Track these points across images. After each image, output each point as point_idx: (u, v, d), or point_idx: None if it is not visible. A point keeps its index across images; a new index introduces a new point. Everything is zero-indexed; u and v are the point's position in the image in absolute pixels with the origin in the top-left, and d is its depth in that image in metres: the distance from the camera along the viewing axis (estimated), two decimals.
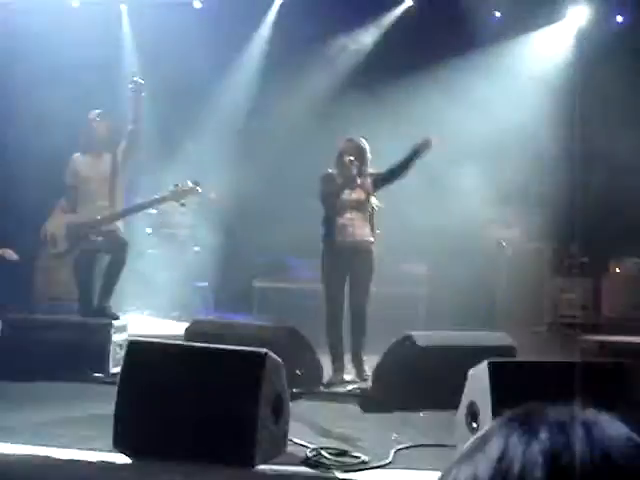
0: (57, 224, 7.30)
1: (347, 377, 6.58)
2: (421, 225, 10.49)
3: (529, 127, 10.75)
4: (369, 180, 6.56)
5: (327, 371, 6.59)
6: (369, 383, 6.45)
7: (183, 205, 7.22)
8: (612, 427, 0.81)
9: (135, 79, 7.01)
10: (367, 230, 6.57)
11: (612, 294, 11.03)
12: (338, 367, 6.58)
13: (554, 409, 0.83)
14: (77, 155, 7.34)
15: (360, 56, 11.78)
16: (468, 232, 10.91)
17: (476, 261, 10.78)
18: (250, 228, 10.81)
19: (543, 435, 0.79)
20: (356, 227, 6.48)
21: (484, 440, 0.82)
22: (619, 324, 10.30)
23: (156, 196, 7.28)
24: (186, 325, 6.72)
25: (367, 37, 11.92)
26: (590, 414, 0.82)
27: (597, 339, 6.65)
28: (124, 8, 11.97)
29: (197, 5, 11.79)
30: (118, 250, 7.14)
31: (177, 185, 7.13)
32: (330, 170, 6.65)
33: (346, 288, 6.64)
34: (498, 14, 11.52)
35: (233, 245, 11.13)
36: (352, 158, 6.46)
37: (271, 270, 11.33)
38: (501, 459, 0.78)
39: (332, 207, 6.51)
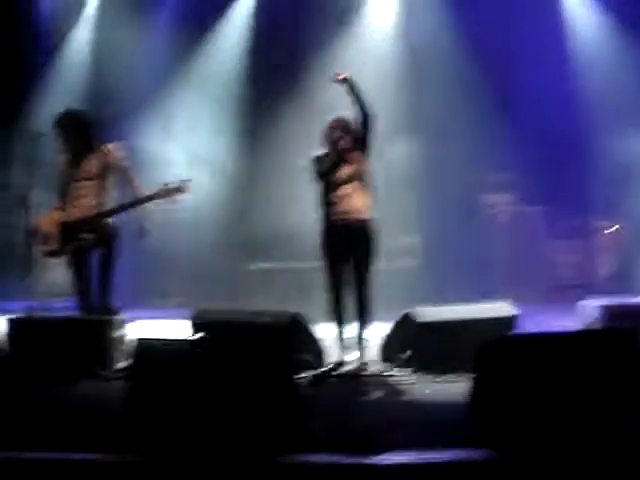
0: (50, 222, 7.29)
1: (350, 358, 6.56)
2: (412, 195, 10.53)
3: None
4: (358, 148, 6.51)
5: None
6: (374, 361, 6.48)
7: (173, 204, 7.23)
8: None
9: None
10: (365, 207, 6.48)
11: (606, 255, 11.09)
12: (341, 348, 6.58)
13: None
14: (65, 155, 7.32)
15: None
16: (461, 200, 10.95)
17: (471, 229, 10.78)
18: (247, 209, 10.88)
19: None
20: (353, 204, 6.40)
21: None
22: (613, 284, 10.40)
23: (146, 194, 7.26)
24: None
25: None
26: None
27: (596, 302, 6.65)
28: None
29: None
30: (107, 243, 7.14)
31: (166, 184, 7.13)
32: (318, 152, 6.60)
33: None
34: None
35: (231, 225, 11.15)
36: (341, 134, 6.46)
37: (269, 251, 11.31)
38: None
39: (325, 186, 6.48)
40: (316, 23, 11.40)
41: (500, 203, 11.56)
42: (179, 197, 7.19)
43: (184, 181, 7.17)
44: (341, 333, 6.57)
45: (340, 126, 6.49)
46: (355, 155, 6.48)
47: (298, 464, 3.93)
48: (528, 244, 11.22)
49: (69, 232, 7.16)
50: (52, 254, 7.30)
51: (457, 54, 11.08)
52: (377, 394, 5.52)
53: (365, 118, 6.42)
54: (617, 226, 11.33)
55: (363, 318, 6.48)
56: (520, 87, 11.09)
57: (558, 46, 11.53)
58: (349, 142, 6.46)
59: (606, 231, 11.38)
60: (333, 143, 6.48)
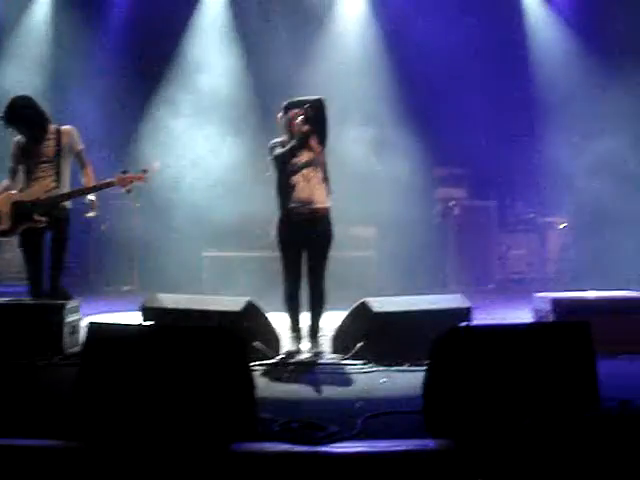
0: (3, 201, 7.15)
1: (304, 347, 6.56)
2: (368, 188, 10.59)
3: None
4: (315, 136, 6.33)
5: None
6: (328, 351, 6.49)
7: (129, 192, 7.16)
8: None
9: None
10: (323, 195, 6.34)
11: (557, 250, 11.26)
12: (295, 337, 6.57)
13: None
14: (20, 137, 7.18)
15: None
16: (415, 193, 11.03)
17: (425, 221, 10.88)
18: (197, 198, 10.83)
19: None
20: (311, 192, 6.26)
21: None
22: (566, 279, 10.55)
23: (102, 181, 7.16)
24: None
25: None
26: None
27: (549, 296, 6.72)
28: None
29: None
30: (60, 227, 7.09)
31: (125, 171, 7.14)
32: (276, 139, 6.50)
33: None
34: None
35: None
36: (302, 117, 6.28)
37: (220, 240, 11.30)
38: None
39: (283, 172, 6.33)
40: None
41: (453, 197, 11.66)
42: (135, 185, 7.17)
43: (144, 170, 7.20)
44: (296, 322, 6.57)
45: (299, 113, 6.30)
46: (313, 142, 6.32)
47: (250, 452, 3.89)
48: (481, 238, 11.32)
49: (22, 212, 7.06)
50: (3, 234, 7.17)
51: (411, 50, 11.20)
52: (330, 384, 5.50)
53: (321, 107, 6.32)
54: (565, 223, 11.50)
55: (318, 308, 6.49)
56: (474, 84, 11.24)
57: (515, 46, 11.70)
58: (308, 128, 6.28)
59: (557, 227, 11.55)
60: (292, 129, 6.35)
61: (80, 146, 7.23)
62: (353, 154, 10.55)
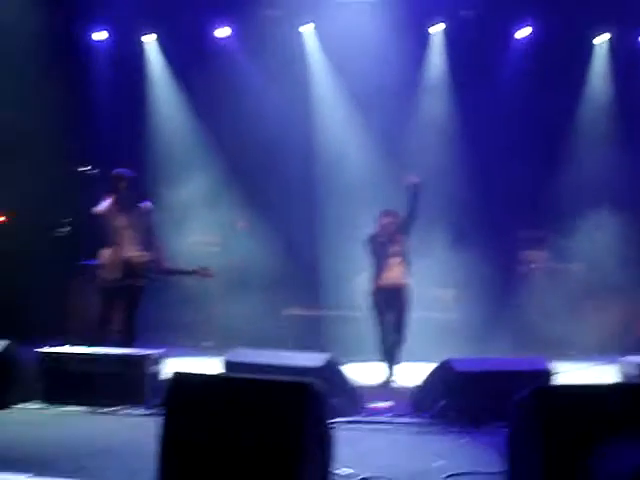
0: (111, 256, 7.72)
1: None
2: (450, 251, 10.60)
3: None
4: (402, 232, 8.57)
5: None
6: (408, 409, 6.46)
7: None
8: None
9: None
10: (403, 276, 8.55)
11: None
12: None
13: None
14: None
15: None
16: (499, 254, 10.96)
17: (508, 283, 10.76)
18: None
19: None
20: (395, 274, 8.53)
21: None
22: None
23: (185, 269, 8.40)
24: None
25: None
26: None
27: (637, 359, 6.56)
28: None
29: None
30: (142, 289, 7.82)
31: (204, 267, 8.21)
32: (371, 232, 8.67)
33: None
34: None
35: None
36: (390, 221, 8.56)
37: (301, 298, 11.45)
38: None
39: (377, 258, 8.57)
40: None
41: (537, 259, 11.52)
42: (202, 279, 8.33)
43: (208, 268, 8.23)
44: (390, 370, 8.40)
45: (390, 215, 8.52)
46: (399, 237, 8.50)
47: None
48: (565, 301, 11.10)
49: (129, 270, 7.68)
50: (110, 285, 7.62)
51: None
52: (410, 441, 5.46)
53: (414, 213, 8.43)
54: None
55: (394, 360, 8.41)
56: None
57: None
58: (396, 227, 8.49)
59: None
60: (383, 227, 8.52)
61: (153, 223, 7.95)
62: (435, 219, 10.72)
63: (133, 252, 7.71)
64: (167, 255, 8.02)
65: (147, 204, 7.81)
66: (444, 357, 6.43)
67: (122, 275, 7.65)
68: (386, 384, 8.40)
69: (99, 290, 7.78)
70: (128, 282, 7.66)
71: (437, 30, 12.15)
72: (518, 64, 11.90)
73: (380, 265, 8.52)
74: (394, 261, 8.50)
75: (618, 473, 0.76)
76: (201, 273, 7.92)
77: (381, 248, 8.51)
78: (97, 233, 7.80)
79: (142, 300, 7.79)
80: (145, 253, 7.75)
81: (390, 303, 8.49)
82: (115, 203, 7.74)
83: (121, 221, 7.75)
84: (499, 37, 11.97)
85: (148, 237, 7.81)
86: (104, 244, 7.80)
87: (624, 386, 5.77)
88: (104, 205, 7.71)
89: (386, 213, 8.57)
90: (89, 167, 7.60)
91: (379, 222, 8.58)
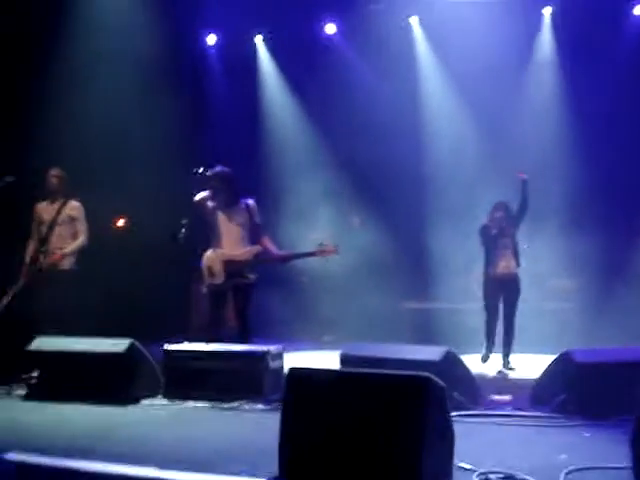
0: (213, 258, 7.69)
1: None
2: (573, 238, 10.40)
3: None
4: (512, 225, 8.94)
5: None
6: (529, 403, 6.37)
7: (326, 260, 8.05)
8: None
9: None
10: (514, 265, 8.88)
11: None
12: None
13: None
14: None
15: None
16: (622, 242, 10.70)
17: (631, 272, 10.48)
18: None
19: None
20: (507, 264, 8.85)
21: None
22: None
23: (304, 251, 8.16)
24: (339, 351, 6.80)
25: None
26: None
27: None
28: None
29: None
30: (253, 284, 7.81)
31: (321, 244, 7.88)
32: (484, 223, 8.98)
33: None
34: None
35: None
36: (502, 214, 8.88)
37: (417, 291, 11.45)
38: None
39: (489, 249, 8.91)
40: None
41: None
42: (329, 256, 7.92)
43: (330, 245, 7.88)
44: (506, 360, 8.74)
45: (502, 208, 8.82)
46: (510, 229, 8.84)
47: None
48: None
49: (233, 269, 7.71)
50: (216, 287, 7.66)
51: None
52: (531, 435, 5.37)
53: (524, 208, 8.81)
54: None
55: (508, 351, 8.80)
56: None
57: None
58: (507, 220, 8.81)
59: None
60: (495, 220, 8.80)
61: (258, 219, 7.89)
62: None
63: (236, 250, 7.75)
64: (276, 246, 7.98)
65: (249, 201, 7.85)
66: (563, 348, 6.30)
67: (226, 276, 7.70)
68: (503, 375, 8.39)
69: (207, 293, 7.88)
70: (234, 282, 7.69)
71: (548, 12, 11.88)
72: (636, 43, 11.49)
73: (491, 256, 8.85)
74: (505, 252, 8.81)
75: None
76: (323, 251, 7.82)
77: (493, 240, 8.83)
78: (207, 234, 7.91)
79: (253, 297, 7.79)
80: (250, 249, 7.77)
81: (501, 293, 8.84)
82: (213, 201, 7.80)
83: (221, 220, 7.81)
84: (615, 14, 11.57)
85: (253, 234, 7.83)
86: (208, 245, 7.89)
87: None
88: (201, 195, 7.77)
89: (497, 206, 8.87)
90: (203, 168, 7.72)
91: (491, 215, 8.89)
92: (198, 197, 7.78)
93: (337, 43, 12.44)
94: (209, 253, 7.83)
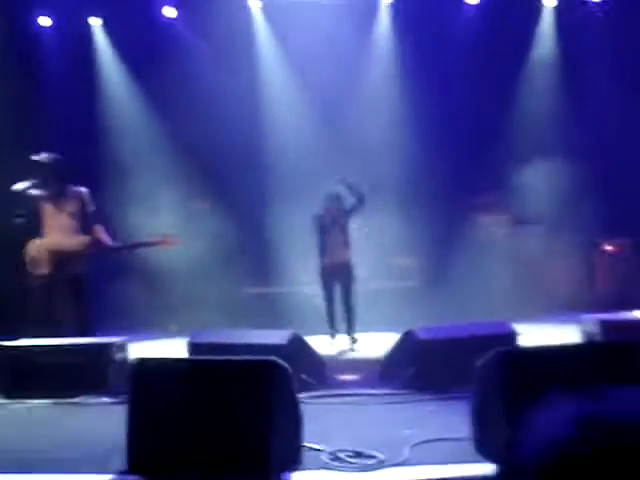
0: (37, 248, 7.37)
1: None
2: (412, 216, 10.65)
3: None
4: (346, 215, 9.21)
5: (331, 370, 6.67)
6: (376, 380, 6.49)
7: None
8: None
9: None
10: (347, 252, 9.11)
11: (604, 272, 11.12)
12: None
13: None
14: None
15: None
16: (459, 221, 11.02)
17: (469, 248, 10.83)
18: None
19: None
20: (340, 251, 9.07)
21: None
22: (612, 301, 10.39)
23: (142, 241, 8.07)
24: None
25: None
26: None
27: (597, 317, 6.65)
28: None
29: None
30: (84, 275, 7.53)
31: (155, 234, 8.01)
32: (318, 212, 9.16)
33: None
34: None
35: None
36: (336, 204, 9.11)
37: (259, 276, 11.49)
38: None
39: (323, 237, 9.13)
40: None
41: (496, 223, 11.59)
42: (166, 247, 7.91)
43: (172, 235, 7.90)
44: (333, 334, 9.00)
45: (334, 198, 9.05)
46: (342, 219, 9.05)
47: None
48: (526, 263, 11.21)
49: (61, 260, 7.36)
50: (45, 279, 7.34)
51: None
52: (378, 412, 5.49)
53: (358, 205, 8.98)
54: (615, 244, 11.35)
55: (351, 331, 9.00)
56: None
57: None
58: (339, 210, 9.04)
59: (605, 249, 11.41)
60: (327, 210, 9.03)
61: (91, 207, 7.63)
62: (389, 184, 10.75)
63: (65, 240, 7.42)
64: (110, 235, 7.70)
65: (81, 189, 7.54)
66: (407, 326, 6.47)
67: (53, 267, 7.34)
68: (349, 355, 8.53)
69: (36, 285, 7.44)
70: (63, 273, 7.35)
71: (386, 2, 12.12)
72: (469, 28, 11.90)
73: (324, 245, 9.11)
74: (337, 241, 9.06)
75: (560, 420, 0.77)
76: (164, 241, 7.65)
77: (325, 229, 9.08)
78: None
79: (86, 288, 7.49)
80: (80, 239, 7.46)
81: (336, 281, 9.14)
82: (42, 189, 7.43)
83: (49, 209, 7.44)
84: (450, 2, 11.99)
85: (85, 223, 7.51)
86: (34, 235, 7.48)
87: (585, 345, 5.86)
88: (24, 184, 7.38)
89: (330, 197, 9.14)
90: (42, 155, 7.38)
91: (324, 204, 9.13)
92: (20, 186, 7.37)
93: (177, 27, 12.20)
94: (34, 242, 7.42)
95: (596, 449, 0.78)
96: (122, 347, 6.79)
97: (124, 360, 6.70)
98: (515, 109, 11.78)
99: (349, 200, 9.07)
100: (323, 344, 8.64)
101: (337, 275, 9.09)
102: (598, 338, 6.27)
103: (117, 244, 7.74)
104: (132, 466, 4.05)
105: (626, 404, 0.79)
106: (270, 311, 10.64)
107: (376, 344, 8.66)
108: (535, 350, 4.67)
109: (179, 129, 11.79)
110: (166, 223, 10.86)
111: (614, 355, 4.28)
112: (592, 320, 6.60)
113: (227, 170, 11.41)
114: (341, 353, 8.60)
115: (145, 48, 11.92)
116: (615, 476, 0.77)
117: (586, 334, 6.63)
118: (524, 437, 0.85)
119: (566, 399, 0.85)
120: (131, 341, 7.16)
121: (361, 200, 9.00)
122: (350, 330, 9.01)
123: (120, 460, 4.05)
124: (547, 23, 12.13)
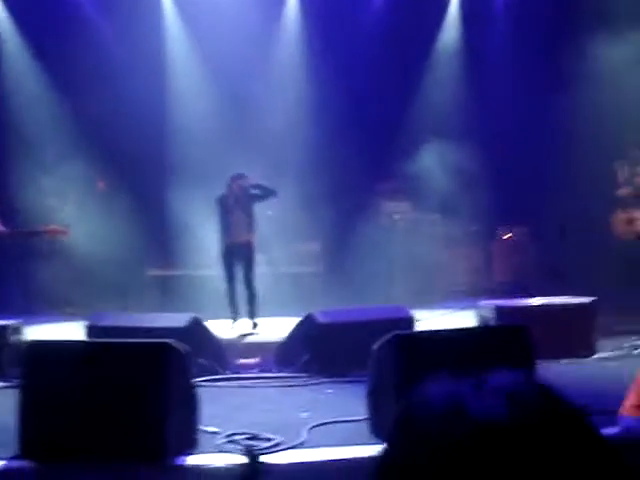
0: None
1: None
2: (315, 202, 10.68)
3: None
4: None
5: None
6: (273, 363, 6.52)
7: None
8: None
9: None
10: (250, 234, 9.02)
11: (502, 260, 11.42)
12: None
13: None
14: None
15: None
16: (361, 207, 11.11)
17: (371, 235, 10.93)
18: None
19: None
20: (242, 232, 8.94)
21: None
22: (509, 288, 10.68)
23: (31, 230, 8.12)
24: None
25: None
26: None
27: (492, 303, 6.83)
28: None
29: None
30: None
31: (48, 225, 8.11)
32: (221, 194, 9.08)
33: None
34: None
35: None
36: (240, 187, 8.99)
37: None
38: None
39: (226, 218, 9.00)
40: None
41: (398, 210, 11.74)
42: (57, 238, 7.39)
43: (63, 225, 7.31)
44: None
45: (239, 179, 8.92)
46: (245, 199, 8.97)
47: (193, 465, 3.90)
48: (426, 250, 11.38)
49: None
50: None
51: None
52: (275, 396, 5.52)
53: (267, 196, 9.10)
54: (511, 233, 11.65)
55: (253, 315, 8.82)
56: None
57: None
58: (243, 190, 8.93)
59: (503, 237, 11.70)
60: (232, 190, 8.92)
61: None
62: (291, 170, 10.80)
63: None
64: (8, 218, 7.51)
65: None
66: (308, 310, 6.51)
67: None
68: (250, 339, 8.48)
69: None
70: None
71: None
72: (376, 16, 12.01)
73: (227, 225, 8.99)
74: (239, 221, 8.95)
75: (431, 400, 0.79)
76: (54, 231, 7.46)
77: (229, 210, 8.97)
78: None
79: None
80: None
81: (237, 261, 9.03)
82: None
83: None
84: None
85: None
86: None
87: (478, 329, 6.02)
88: None
89: (234, 177, 9.01)
90: None
91: (228, 185, 9.01)
92: None
93: (82, 3, 11.88)
94: None
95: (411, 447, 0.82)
96: (17, 330, 6.63)
97: (19, 343, 6.54)
98: (419, 97, 11.94)
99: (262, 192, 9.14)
100: (224, 328, 8.60)
101: (238, 255, 9.01)
102: (493, 323, 6.45)
103: (8, 231, 7.52)
104: (25, 451, 3.97)
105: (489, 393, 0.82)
106: (172, 294, 10.53)
107: (277, 328, 8.67)
108: (430, 334, 4.78)
109: (83, 107, 11.51)
110: (62, 203, 10.62)
111: (504, 338, 4.42)
112: (487, 306, 6.78)
113: (130, 150, 11.19)
114: (241, 337, 8.57)
115: (49, 24, 11.58)
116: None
117: (481, 319, 6.80)
118: (395, 417, 0.88)
119: (434, 381, 0.87)
120: (28, 324, 6.99)
121: (273, 194, 9.13)
122: (252, 314, 8.91)
123: (12, 445, 3.95)
124: (453, 14, 12.32)
